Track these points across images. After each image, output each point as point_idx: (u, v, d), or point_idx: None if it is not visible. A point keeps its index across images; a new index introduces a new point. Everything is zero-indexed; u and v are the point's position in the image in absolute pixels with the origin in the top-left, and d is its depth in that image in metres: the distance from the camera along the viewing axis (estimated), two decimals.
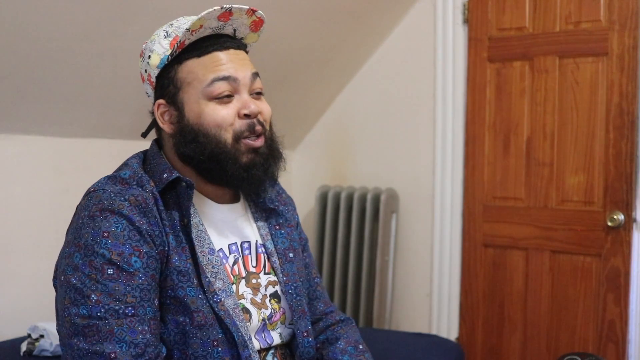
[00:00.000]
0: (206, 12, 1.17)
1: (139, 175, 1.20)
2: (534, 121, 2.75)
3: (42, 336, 2.08)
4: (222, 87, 1.20)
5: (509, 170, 2.82)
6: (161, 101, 1.24)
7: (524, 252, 2.79)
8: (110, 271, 1.08)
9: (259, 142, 1.23)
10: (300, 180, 3.45)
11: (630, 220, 2.53)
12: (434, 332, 2.98)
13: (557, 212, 2.70)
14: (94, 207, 1.14)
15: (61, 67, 2.15)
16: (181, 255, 1.17)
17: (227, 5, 1.19)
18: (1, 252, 2.24)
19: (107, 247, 1.10)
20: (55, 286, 1.16)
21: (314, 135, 3.42)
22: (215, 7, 1.17)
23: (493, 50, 2.84)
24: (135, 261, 1.10)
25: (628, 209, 2.53)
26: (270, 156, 1.24)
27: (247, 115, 1.21)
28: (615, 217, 2.54)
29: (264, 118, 1.26)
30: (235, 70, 1.21)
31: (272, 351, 1.26)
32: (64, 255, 1.14)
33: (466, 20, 2.90)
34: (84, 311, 1.06)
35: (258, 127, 1.22)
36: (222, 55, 1.21)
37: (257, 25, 1.29)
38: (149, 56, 1.23)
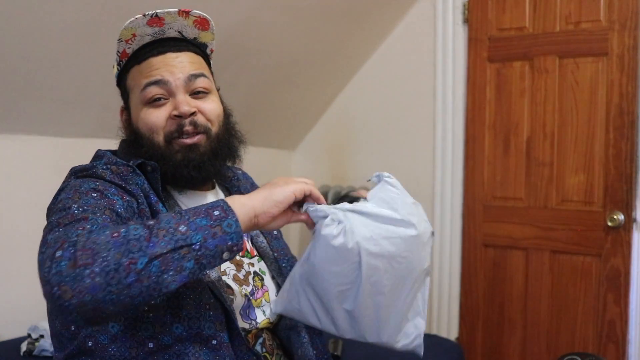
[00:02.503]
0: (128, 21, 1.20)
1: (114, 160, 1.24)
2: (534, 121, 2.75)
3: (42, 336, 2.08)
4: (153, 91, 1.23)
5: (509, 170, 2.82)
6: (122, 106, 1.32)
7: (524, 252, 2.79)
8: (94, 194, 1.10)
9: (191, 140, 1.23)
10: None
11: (630, 220, 2.53)
12: (434, 332, 2.98)
13: (557, 212, 2.70)
14: (78, 173, 1.19)
15: (61, 67, 2.15)
16: None
17: (149, 12, 1.21)
18: (1, 252, 2.24)
19: (95, 184, 1.13)
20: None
21: (314, 135, 3.42)
22: (137, 16, 1.20)
23: (493, 50, 2.84)
24: (118, 199, 1.12)
25: (628, 209, 2.53)
26: (211, 154, 1.25)
27: (177, 116, 1.23)
28: (615, 217, 2.54)
29: (208, 117, 1.26)
30: (167, 73, 1.23)
31: (260, 340, 1.26)
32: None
33: (466, 20, 2.90)
34: (63, 213, 1.05)
35: (187, 128, 1.23)
36: (155, 61, 1.24)
37: (202, 24, 1.28)
38: (113, 66, 1.30)
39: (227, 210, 1.00)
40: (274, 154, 3.35)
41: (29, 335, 2.11)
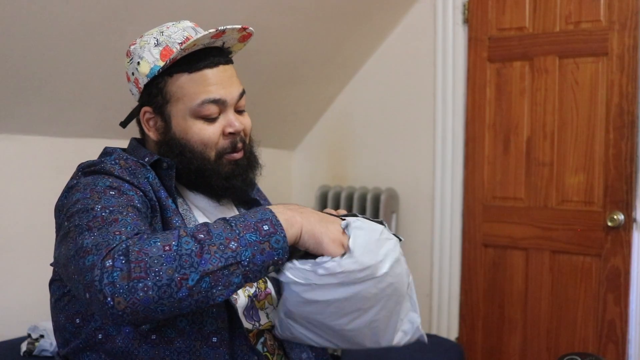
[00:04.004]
0: (202, 35, 1.20)
1: (124, 156, 1.24)
2: (534, 121, 2.75)
3: (42, 336, 2.08)
4: (210, 109, 1.24)
5: (509, 170, 2.82)
6: (148, 108, 1.28)
7: (524, 252, 2.79)
8: (112, 192, 1.12)
9: (239, 155, 1.28)
10: (300, 180, 3.45)
11: (630, 220, 2.53)
12: (434, 332, 2.98)
13: (557, 212, 2.70)
14: (86, 169, 1.19)
15: (61, 67, 2.15)
16: (179, 218, 1.21)
17: (222, 27, 1.23)
18: (1, 252, 2.24)
19: (109, 181, 1.14)
20: (54, 264, 1.18)
21: (314, 135, 3.42)
22: (211, 30, 1.21)
23: (493, 50, 2.84)
24: (134, 195, 1.14)
25: (628, 209, 2.53)
26: (248, 166, 1.31)
27: (231, 134, 1.26)
28: (615, 217, 2.54)
29: (245, 133, 1.31)
30: (225, 91, 1.25)
31: (261, 340, 1.27)
32: (58, 224, 1.15)
33: (466, 20, 2.90)
34: (90, 216, 1.06)
35: (239, 145, 1.28)
36: (212, 74, 1.24)
37: (245, 37, 1.33)
38: (138, 62, 1.25)
39: (276, 225, 1.02)
40: (274, 154, 3.35)
41: (29, 335, 2.11)
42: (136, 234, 1.01)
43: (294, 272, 1.08)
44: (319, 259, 1.07)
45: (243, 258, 0.98)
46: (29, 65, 2.08)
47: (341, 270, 1.06)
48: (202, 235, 0.98)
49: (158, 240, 0.97)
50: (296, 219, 1.05)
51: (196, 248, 0.96)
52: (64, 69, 2.16)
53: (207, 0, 2.31)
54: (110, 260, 0.94)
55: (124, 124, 1.37)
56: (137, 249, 0.95)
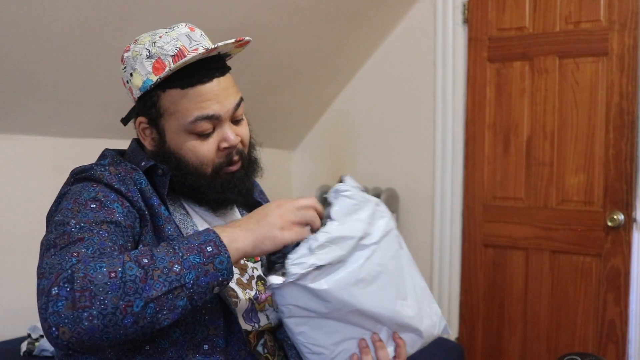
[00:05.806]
0: (190, 56, 1.17)
1: (118, 161, 1.24)
2: (534, 121, 2.75)
3: (42, 336, 2.09)
4: (204, 126, 1.21)
5: (509, 170, 2.82)
6: (142, 119, 1.26)
7: (524, 252, 2.79)
8: (93, 205, 1.11)
9: (235, 167, 1.26)
10: (300, 180, 3.45)
11: (630, 220, 2.53)
12: None
13: (557, 212, 2.70)
14: (77, 175, 1.19)
15: (61, 67, 2.15)
16: (172, 226, 1.20)
17: (213, 45, 1.20)
18: (1, 252, 2.24)
19: (95, 191, 1.14)
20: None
21: (314, 135, 3.42)
22: (200, 51, 1.19)
23: (493, 50, 2.84)
24: (117, 207, 1.13)
25: (628, 209, 2.53)
26: (245, 176, 1.28)
27: (226, 148, 1.24)
28: (615, 217, 2.54)
29: (244, 143, 1.28)
30: (219, 106, 1.21)
31: (262, 341, 1.26)
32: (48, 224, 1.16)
33: (466, 20, 2.90)
34: (61, 231, 1.06)
35: (235, 158, 1.25)
36: (205, 90, 1.20)
37: (242, 45, 1.30)
38: (131, 74, 1.23)
39: (219, 246, 1.03)
40: (274, 154, 3.35)
41: (29, 335, 2.11)
42: (92, 257, 1.00)
43: (296, 267, 1.06)
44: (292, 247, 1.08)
45: (187, 281, 0.99)
46: (28, 65, 2.08)
47: (333, 236, 1.06)
48: (145, 260, 0.98)
49: (104, 265, 0.96)
50: (236, 233, 1.06)
51: (140, 274, 0.96)
52: (64, 69, 2.16)
53: (204, 2, 2.31)
54: (56, 288, 0.94)
55: (124, 121, 1.36)
56: (82, 275, 0.94)
